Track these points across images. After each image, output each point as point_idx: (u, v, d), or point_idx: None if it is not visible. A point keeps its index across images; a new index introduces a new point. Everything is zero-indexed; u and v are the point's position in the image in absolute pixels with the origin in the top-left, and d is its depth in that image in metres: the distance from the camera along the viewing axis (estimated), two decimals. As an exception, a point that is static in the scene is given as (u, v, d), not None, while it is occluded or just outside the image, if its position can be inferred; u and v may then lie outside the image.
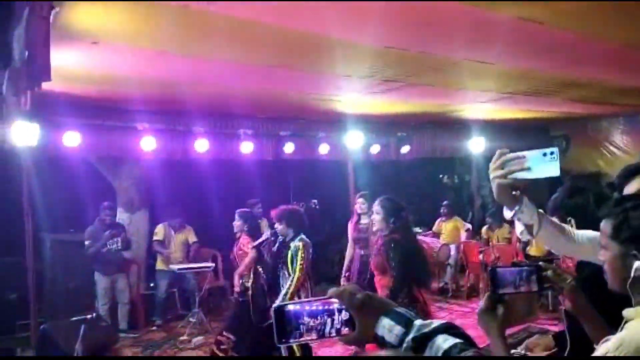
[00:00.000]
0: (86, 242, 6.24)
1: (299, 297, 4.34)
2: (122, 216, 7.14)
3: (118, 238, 6.34)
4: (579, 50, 4.12)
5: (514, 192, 1.56)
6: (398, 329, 0.89)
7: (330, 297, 0.94)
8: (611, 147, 9.33)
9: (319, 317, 0.92)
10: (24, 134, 5.12)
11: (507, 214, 1.61)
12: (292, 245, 4.52)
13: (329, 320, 0.92)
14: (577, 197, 2.03)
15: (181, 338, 6.18)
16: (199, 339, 6.12)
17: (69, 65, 3.98)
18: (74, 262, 6.48)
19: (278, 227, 4.68)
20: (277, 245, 4.82)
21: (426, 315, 3.95)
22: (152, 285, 7.31)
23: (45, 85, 3.50)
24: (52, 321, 5.67)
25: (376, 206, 4.03)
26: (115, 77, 4.59)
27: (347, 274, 5.71)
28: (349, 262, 5.78)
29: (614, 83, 5.74)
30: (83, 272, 6.44)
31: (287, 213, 4.73)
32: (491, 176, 1.54)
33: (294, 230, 4.62)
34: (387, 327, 0.90)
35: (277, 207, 4.81)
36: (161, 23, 3.26)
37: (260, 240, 5.12)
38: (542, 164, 1.47)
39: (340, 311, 0.93)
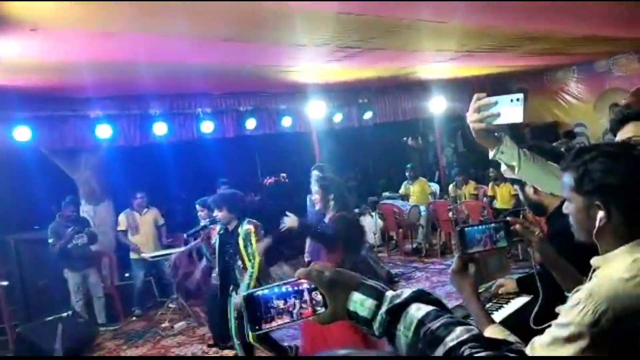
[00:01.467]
0: (50, 240, 6.05)
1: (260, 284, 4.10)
2: (85, 208, 6.94)
3: (82, 233, 6.17)
4: (531, 3, 4.13)
5: (495, 134, 1.59)
6: (370, 302, 0.88)
7: (299, 278, 0.92)
8: (567, 97, 9.57)
9: (290, 299, 0.90)
10: (-29, 133, 4.88)
11: (490, 154, 1.64)
12: (240, 231, 4.17)
13: (300, 301, 0.91)
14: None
15: (163, 325, 6.13)
16: (181, 324, 6.09)
17: (10, 55, 3.78)
18: (42, 260, 6.29)
19: (218, 214, 4.22)
20: (218, 236, 4.35)
21: None
22: (127, 275, 7.19)
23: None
24: (28, 323, 5.55)
25: (314, 186, 4.03)
26: (60, 64, 4.38)
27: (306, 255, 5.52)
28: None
29: (569, 33, 5.82)
30: (52, 269, 6.27)
31: (228, 198, 4.30)
32: (468, 120, 1.58)
33: (237, 215, 4.23)
34: (359, 302, 0.89)
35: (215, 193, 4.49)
36: (104, 2, 3.09)
37: (194, 229, 4.77)
38: (510, 110, 1.51)
39: (310, 291, 0.91)
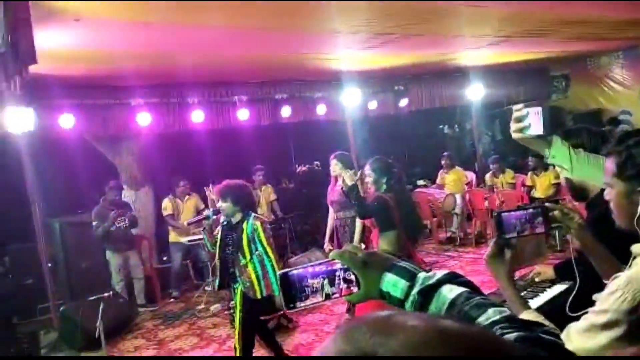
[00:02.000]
0: (94, 223, 6.28)
1: (261, 286, 3.91)
2: (126, 194, 7.16)
3: (125, 217, 6.38)
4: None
5: (547, 138, 1.63)
6: (403, 283, 0.90)
7: (332, 259, 0.95)
8: (612, 83, 9.21)
9: (323, 279, 0.94)
10: (20, 120, 5.08)
11: (545, 157, 1.71)
12: (245, 226, 3.91)
13: (333, 281, 0.94)
14: (571, 138, 2.00)
15: (199, 307, 6.30)
16: (216, 307, 6.25)
17: (55, 45, 3.91)
18: (85, 242, 6.54)
19: (222, 205, 3.95)
20: (221, 228, 4.10)
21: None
22: (165, 258, 7.40)
23: (33, 69, 3.45)
24: (71, 302, 5.80)
25: (367, 169, 4.01)
26: (103, 54, 4.51)
27: (329, 241, 5.39)
28: (331, 228, 5.43)
29: (610, 17, 5.60)
30: (95, 251, 6.51)
31: (234, 189, 3.98)
32: (511, 130, 1.66)
33: (241, 208, 3.94)
34: (392, 283, 0.91)
35: (221, 182, 4.11)
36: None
37: (196, 218, 4.45)
38: (536, 121, 1.60)
39: (343, 271, 0.94)
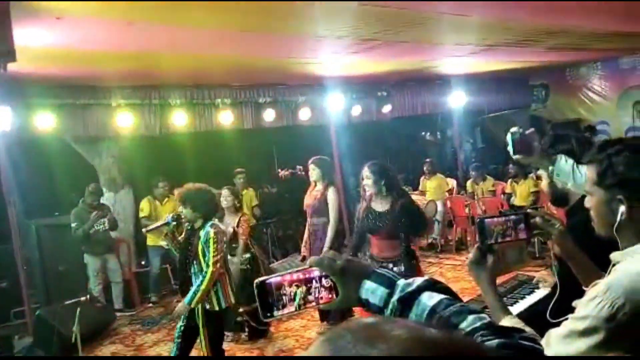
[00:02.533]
0: (72, 225, 6.16)
1: (219, 297, 3.80)
2: (106, 195, 7.05)
3: (104, 219, 6.27)
4: (555, -4, 4.07)
5: (553, 157, 1.73)
6: (382, 290, 0.90)
7: (310, 267, 0.94)
8: (590, 94, 9.39)
9: (301, 287, 0.92)
10: (-4, 119, 4.98)
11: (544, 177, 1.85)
12: (201, 233, 3.75)
13: (312, 288, 0.92)
14: (559, 144, 2.04)
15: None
16: (195, 312, 6.17)
17: (35, 43, 3.84)
18: (62, 245, 6.42)
19: (182, 211, 3.81)
20: (186, 233, 3.98)
21: (419, 271, 4.09)
22: (143, 262, 7.29)
23: (11, 67, 3.38)
24: (47, 306, 5.67)
25: (366, 172, 4.01)
26: (84, 53, 4.44)
27: (305, 246, 5.39)
28: (307, 233, 5.40)
29: (591, 29, 5.71)
30: (72, 254, 6.39)
31: (193, 194, 3.80)
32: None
33: (202, 215, 3.79)
34: (371, 290, 0.90)
35: (182, 186, 4.02)
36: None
37: (155, 225, 4.37)
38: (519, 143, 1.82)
39: (322, 279, 0.93)
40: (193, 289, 3.75)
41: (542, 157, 1.65)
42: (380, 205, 3.93)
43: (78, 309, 4.83)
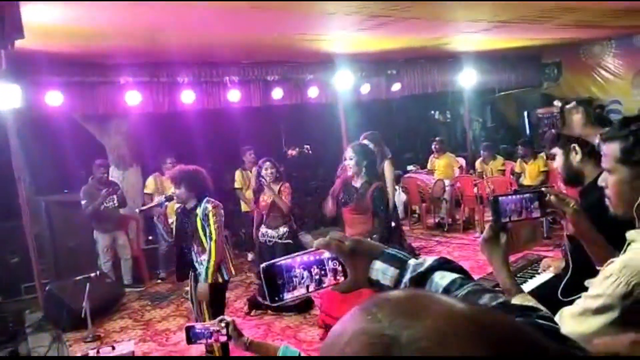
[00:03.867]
0: (82, 202, 6.20)
1: (221, 270, 3.81)
2: (114, 173, 7.07)
3: (114, 196, 6.31)
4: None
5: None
6: (392, 271, 0.87)
7: (317, 248, 0.91)
8: (603, 72, 9.23)
9: (310, 269, 0.90)
10: (6, 96, 4.97)
11: None
12: (198, 211, 3.77)
13: (320, 270, 0.90)
14: (581, 105, 2.02)
15: (186, 288, 6.26)
16: (203, 288, 6.24)
17: (43, 21, 3.81)
18: (72, 222, 6.48)
19: (176, 191, 3.84)
20: (176, 216, 4.00)
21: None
22: (149, 238, 7.35)
23: (21, 44, 3.36)
24: (57, 281, 5.75)
25: (349, 152, 4.11)
26: (93, 31, 4.41)
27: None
28: None
29: (607, 5, 5.58)
30: (82, 231, 6.45)
31: (187, 175, 3.85)
32: None
33: (196, 194, 3.81)
34: (381, 270, 0.88)
35: (175, 169, 4.02)
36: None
37: (148, 205, 4.29)
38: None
39: (330, 260, 0.91)
40: (205, 265, 3.78)
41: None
42: (358, 183, 4.16)
43: (88, 285, 4.90)
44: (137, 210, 4.84)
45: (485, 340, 0.45)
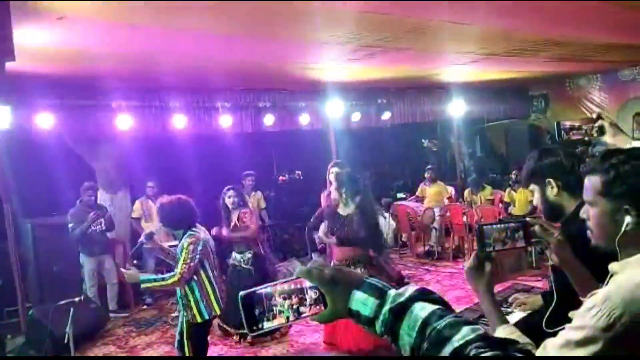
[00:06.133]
0: (70, 225, 6.14)
1: (200, 309, 3.70)
2: (103, 197, 7.03)
3: (102, 219, 6.25)
4: (557, 8, 4.08)
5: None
6: (372, 301, 0.87)
7: (298, 277, 0.91)
8: (590, 105, 9.43)
9: (289, 298, 0.89)
10: (-5, 118, 4.96)
11: None
12: (183, 242, 3.70)
13: (300, 300, 0.89)
14: (545, 158, 2.04)
15: (173, 315, 6.19)
16: (190, 315, 6.15)
17: (36, 43, 3.84)
18: (58, 245, 6.39)
19: (162, 228, 3.86)
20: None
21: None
22: (134, 262, 7.24)
23: (12, 65, 3.37)
24: (40, 306, 5.64)
25: (332, 178, 4.17)
26: (85, 54, 4.44)
27: (320, 247, 5.68)
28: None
29: (592, 40, 5.74)
30: (67, 255, 6.36)
31: (163, 210, 3.77)
32: None
33: (175, 227, 3.79)
34: (361, 300, 0.87)
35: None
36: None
37: (135, 248, 4.36)
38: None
39: (310, 289, 0.90)
40: (156, 276, 3.78)
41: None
42: (343, 210, 4.20)
43: (72, 310, 4.80)
44: (125, 269, 4.75)
45: None
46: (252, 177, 7.56)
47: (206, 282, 3.79)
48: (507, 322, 1.44)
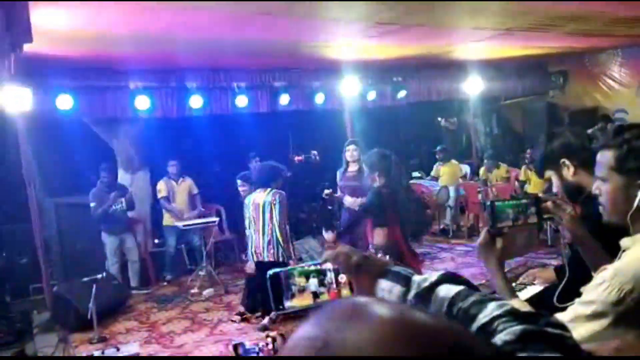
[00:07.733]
0: (91, 204, 6.29)
1: None
2: (123, 177, 7.15)
3: (122, 199, 6.39)
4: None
5: None
6: (398, 289, 0.89)
7: (326, 261, 0.93)
8: (609, 81, 9.22)
9: (316, 281, 0.92)
10: (17, 100, 5.05)
11: None
12: None
13: (326, 283, 0.92)
14: (554, 141, 2.02)
15: (192, 291, 6.33)
16: (209, 291, 6.29)
17: (54, 25, 3.88)
18: (80, 224, 6.55)
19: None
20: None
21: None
22: (156, 242, 7.41)
23: (32, 48, 3.43)
24: (65, 283, 5.81)
25: (364, 161, 4.10)
26: (103, 36, 4.48)
27: (336, 223, 5.56)
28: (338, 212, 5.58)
29: (613, 14, 5.60)
30: (90, 233, 6.52)
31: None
32: None
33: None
34: (387, 289, 0.89)
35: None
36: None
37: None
38: None
39: (337, 273, 0.93)
40: None
41: None
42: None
43: (94, 286, 4.95)
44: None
45: (409, 341, 0.47)
46: (257, 158, 7.56)
47: None
48: (517, 297, 1.47)
